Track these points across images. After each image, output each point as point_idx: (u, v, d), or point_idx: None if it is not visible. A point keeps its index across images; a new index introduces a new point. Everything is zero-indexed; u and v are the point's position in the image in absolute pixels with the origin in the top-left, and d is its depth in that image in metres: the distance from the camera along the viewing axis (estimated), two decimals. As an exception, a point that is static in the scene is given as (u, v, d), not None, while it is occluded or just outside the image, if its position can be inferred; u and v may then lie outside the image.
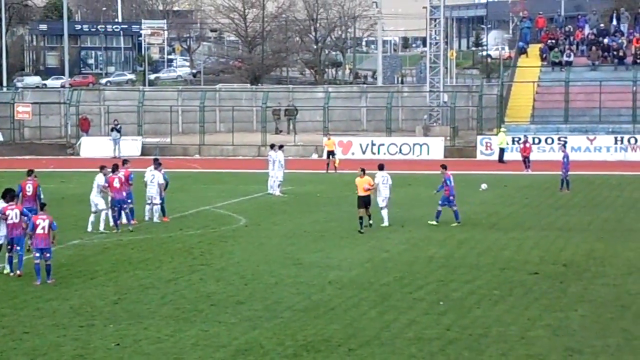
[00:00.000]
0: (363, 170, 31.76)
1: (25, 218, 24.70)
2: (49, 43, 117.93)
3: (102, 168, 32.19)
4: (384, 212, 32.64)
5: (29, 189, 29.05)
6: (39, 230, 23.99)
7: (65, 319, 20.57)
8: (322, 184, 45.79)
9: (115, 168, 32.36)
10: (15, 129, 65.85)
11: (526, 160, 52.05)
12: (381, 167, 32.97)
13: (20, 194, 28.53)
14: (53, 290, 23.12)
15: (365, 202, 31.33)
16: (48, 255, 24.00)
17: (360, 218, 31.32)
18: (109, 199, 31.83)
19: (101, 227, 31.28)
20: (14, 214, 24.72)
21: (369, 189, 31.48)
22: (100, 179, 31.76)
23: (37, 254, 23.93)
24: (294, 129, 67.83)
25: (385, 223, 32.45)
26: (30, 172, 30.13)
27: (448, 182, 32.90)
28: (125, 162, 34.22)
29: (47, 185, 37.64)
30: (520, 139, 55.66)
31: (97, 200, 31.60)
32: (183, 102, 72.40)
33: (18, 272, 24.52)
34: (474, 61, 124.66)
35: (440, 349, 18.32)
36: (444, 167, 33.79)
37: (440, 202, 33.01)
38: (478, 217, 34.97)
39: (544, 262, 26.45)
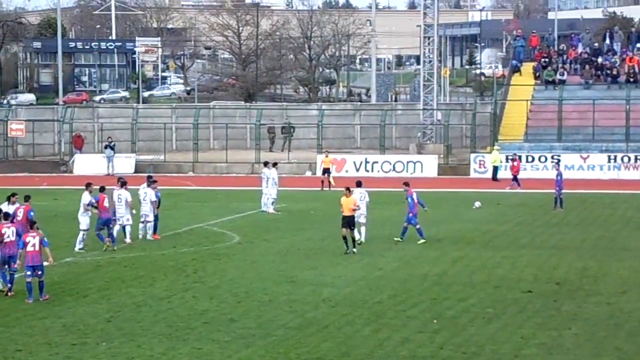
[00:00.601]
0: (349, 189, 31.38)
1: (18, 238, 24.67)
2: (42, 60, 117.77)
3: (87, 186, 31.96)
4: (363, 229, 32.56)
5: (20, 213, 27.99)
6: (29, 248, 23.95)
7: (57, 337, 20.49)
8: (316, 202, 45.76)
9: (103, 188, 32.08)
10: (8, 147, 65.74)
11: (515, 178, 52.04)
12: (359, 184, 32.90)
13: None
14: (45, 308, 23.04)
15: (349, 222, 30.64)
16: (40, 272, 23.94)
17: (344, 238, 30.75)
18: (102, 216, 31.67)
19: (77, 247, 31.03)
20: (10, 232, 24.63)
21: (354, 209, 30.93)
22: (85, 198, 31.56)
23: (29, 272, 23.84)
24: (288, 146, 67.87)
25: (363, 239, 32.31)
26: (27, 198, 29.32)
27: (409, 199, 32.90)
28: (120, 179, 34.12)
29: (40, 202, 37.62)
30: (512, 156, 55.63)
31: (80, 219, 31.46)
32: (177, 120, 72.39)
33: (10, 293, 24.39)
34: (467, 79, 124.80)
35: (433, 368, 18.29)
36: (407, 184, 33.76)
37: (410, 221, 33.01)
38: (472, 235, 34.97)
39: (537, 281, 26.44)
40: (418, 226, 32.98)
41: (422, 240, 32.73)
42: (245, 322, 21.68)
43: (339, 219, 31.09)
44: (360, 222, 32.33)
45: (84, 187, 32.38)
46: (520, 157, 55.60)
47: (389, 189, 48.50)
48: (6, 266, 24.59)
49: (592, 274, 27.45)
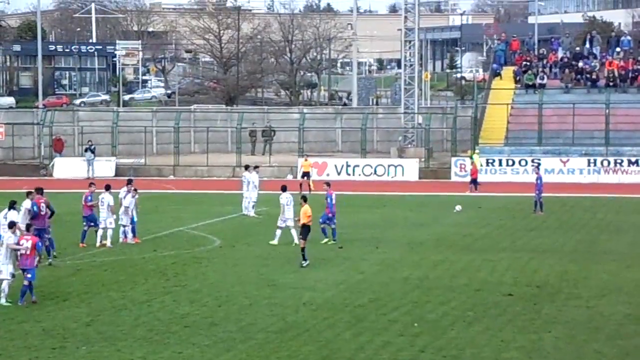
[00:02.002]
0: (304, 198, 31.09)
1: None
2: (22, 63, 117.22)
3: (28, 194, 30.60)
4: (278, 232, 32.78)
5: (43, 208, 29.11)
6: (22, 251, 23.86)
7: (37, 340, 20.40)
8: (296, 206, 45.63)
9: (40, 191, 31.21)
10: (-12, 150, 65.49)
11: (473, 182, 52.03)
12: (284, 189, 32.91)
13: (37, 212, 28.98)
14: (25, 312, 22.94)
15: (307, 231, 29.64)
16: (30, 275, 23.83)
17: (303, 249, 29.46)
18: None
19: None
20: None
21: (309, 217, 29.92)
22: (26, 204, 30.99)
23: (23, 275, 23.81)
24: (269, 150, 67.83)
25: (275, 242, 32.64)
26: (38, 191, 29.77)
27: (329, 199, 33.01)
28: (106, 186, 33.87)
29: (17, 206, 37.38)
30: (494, 160, 55.69)
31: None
32: (158, 123, 72.21)
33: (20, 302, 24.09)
34: (448, 83, 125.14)
35: (414, 371, 18.31)
36: (328, 184, 33.98)
37: (320, 220, 33.11)
38: (452, 238, 35.03)
39: (517, 284, 26.52)
40: (334, 226, 33.12)
41: (332, 241, 32.86)
42: (226, 326, 21.65)
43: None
44: (290, 226, 32.65)
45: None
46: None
47: (370, 192, 48.58)
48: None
49: (572, 277, 27.55)
